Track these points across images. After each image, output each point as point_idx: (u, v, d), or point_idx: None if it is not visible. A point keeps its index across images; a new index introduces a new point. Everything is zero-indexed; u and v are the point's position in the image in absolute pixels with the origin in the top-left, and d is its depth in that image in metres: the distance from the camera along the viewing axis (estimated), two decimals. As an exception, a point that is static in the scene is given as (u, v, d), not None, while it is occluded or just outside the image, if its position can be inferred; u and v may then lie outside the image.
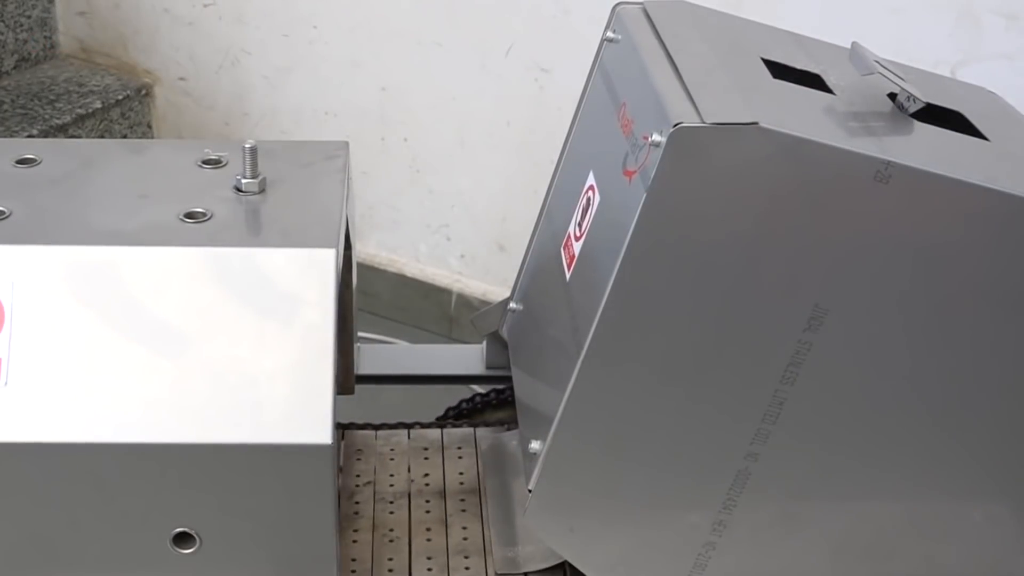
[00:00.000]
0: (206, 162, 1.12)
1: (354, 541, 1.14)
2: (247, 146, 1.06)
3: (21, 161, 1.10)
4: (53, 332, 0.95)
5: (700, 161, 0.89)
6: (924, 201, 0.91)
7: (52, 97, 2.37)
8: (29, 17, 2.45)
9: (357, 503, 1.19)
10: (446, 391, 1.41)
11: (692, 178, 0.90)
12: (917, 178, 0.91)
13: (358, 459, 1.24)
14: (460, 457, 1.26)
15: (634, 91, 1.04)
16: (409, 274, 2.36)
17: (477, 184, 2.24)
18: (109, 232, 0.99)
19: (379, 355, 1.37)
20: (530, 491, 1.01)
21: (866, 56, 1.04)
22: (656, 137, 0.90)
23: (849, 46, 1.12)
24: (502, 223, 2.25)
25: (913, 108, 1.02)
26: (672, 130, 0.88)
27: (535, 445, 1.01)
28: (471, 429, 1.30)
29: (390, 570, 1.11)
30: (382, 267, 2.37)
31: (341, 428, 1.30)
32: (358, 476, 1.22)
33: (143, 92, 2.46)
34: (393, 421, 1.32)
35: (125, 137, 2.43)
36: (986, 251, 0.93)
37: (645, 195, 0.90)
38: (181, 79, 2.46)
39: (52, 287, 0.95)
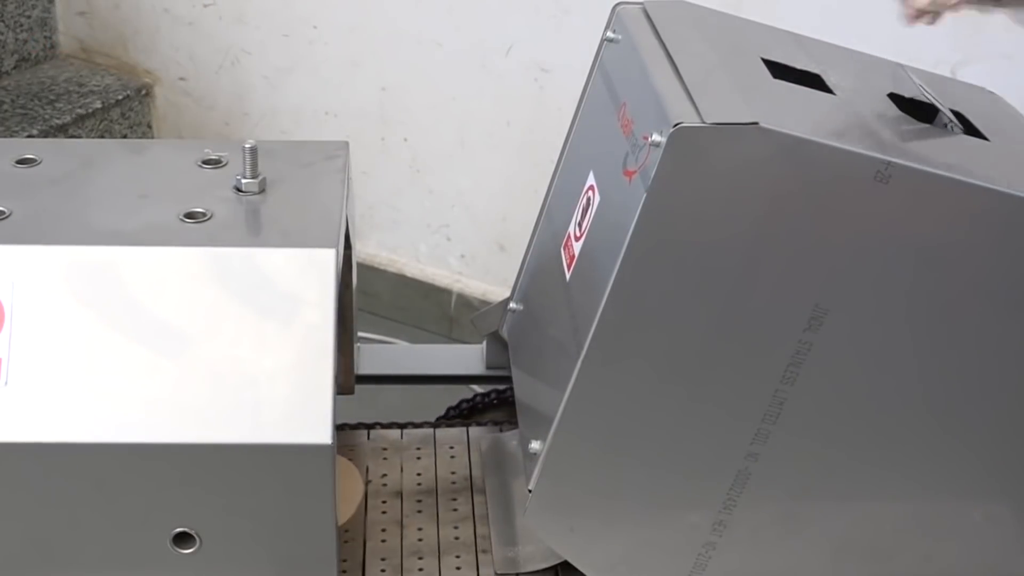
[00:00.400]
0: (206, 162, 1.12)
1: None
2: (247, 146, 1.06)
3: (21, 161, 1.10)
4: (53, 332, 0.95)
5: (700, 161, 0.89)
6: (924, 201, 0.91)
7: (52, 97, 2.37)
8: (29, 17, 2.45)
9: None
10: (446, 391, 1.41)
11: (692, 178, 0.90)
12: (917, 178, 0.91)
13: None
14: (419, 458, 1.25)
15: (634, 91, 1.04)
16: (409, 274, 2.36)
17: (477, 184, 2.24)
18: (109, 232, 0.99)
19: (379, 355, 1.37)
20: (530, 491, 1.01)
21: (911, 79, 1.05)
22: (656, 137, 0.90)
23: (844, 45, 1.12)
24: (502, 223, 2.25)
25: (955, 133, 1.02)
26: (672, 130, 0.88)
27: (535, 445, 1.01)
28: (431, 430, 1.29)
29: (344, 571, 1.11)
30: (382, 267, 2.37)
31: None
32: None
33: (143, 92, 2.46)
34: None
35: (125, 137, 2.43)
36: (986, 251, 0.93)
37: (645, 195, 0.90)
38: (181, 79, 2.46)
39: (52, 287, 0.95)
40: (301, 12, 2.27)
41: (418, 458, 1.25)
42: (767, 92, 1.00)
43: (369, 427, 1.29)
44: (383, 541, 1.14)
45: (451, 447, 1.27)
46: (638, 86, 1.03)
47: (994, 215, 0.92)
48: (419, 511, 1.18)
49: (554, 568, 1.09)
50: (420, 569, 1.11)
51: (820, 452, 0.99)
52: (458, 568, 1.11)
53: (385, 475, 1.22)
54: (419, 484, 1.21)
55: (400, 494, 1.20)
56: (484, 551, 1.13)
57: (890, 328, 0.95)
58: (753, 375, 0.96)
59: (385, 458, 1.25)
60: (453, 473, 1.23)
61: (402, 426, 1.30)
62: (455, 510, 1.18)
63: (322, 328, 0.96)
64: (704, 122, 0.89)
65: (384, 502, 1.19)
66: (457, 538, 1.14)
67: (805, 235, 0.92)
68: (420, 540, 1.14)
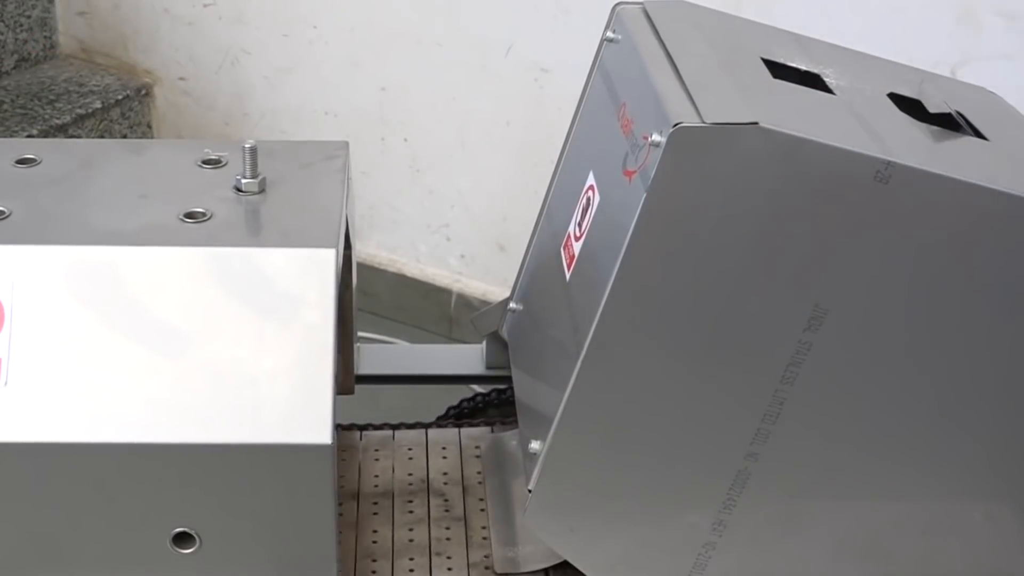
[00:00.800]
0: (206, 162, 1.12)
1: None
2: (247, 146, 1.07)
3: (21, 161, 1.10)
4: (53, 332, 0.95)
5: (700, 161, 0.89)
6: (924, 201, 0.91)
7: (52, 97, 2.37)
8: (29, 17, 2.45)
9: None
10: (446, 391, 1.41)
11: (692, 178, 0.90)
12: (917, 178, 0.91)
13: None
14: (376, 460, 1.24)
15: (634, 91, 1.04)
16: (409, 274, 2.36)
17: (477, 184, 2.24)
18: (109, 232, 0.99)
19: (379, 355, 1.37)
20: (530, 491, 1.01)
21: (936, 97, 1.05)
22: (656, 137, 0.90)
23: (844, 45, 1.12)
24: (502, 223, 2.25)
25: (956, 132, 1.03)
26: (672, 130, 0.88)
27: (535, 445, 1.01)
28: (390, 432, 1.29)
29: None
30: (382, 267, 2.37)
31: None
32: None
33: (143, 92, 2.46)
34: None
35: (125, 137, 2.43)
36: (986, 251, 0.93)
37: (645, 195, 0.90)
38: (181, 79, 2.46)
39: (52, 287, 0.95)
40: (301, 12, 2.27)
41: (376, 459, 1.24)
42: (767, 92, 1.00)
43: None
44: (337, 543, 1.13)
45: (409, 448, 1.26)
46: (638, 86, 1.03)
47: (994, 215, 0.92)
48: (375, 513, 1.17)
49: (554, 568, 1.09)
50: (373, 572, 1.10)
51: (820, 452, 0.99)
52: (411, 571, 1.11)
53: (343, 477, 1.22)
54: (376, 486, 1.21)
55: (357, 496, 1.19)
56: (438, 553, 1.13)
57: (890, 328, 0.95)
58: (753, 375, 0.96)
59: (343, 459, 1.24)
60: (410, 475, 1.22)
61: (361, 428, 1.29)
62: (411, 512, 1.17)
63: (322, 328, 0.96)
64: (704, 122, 0.89)
65: (341, 504, 1.18)
66: (412, 540, 1.14)
67: (805, 235, 0.92)
68: (375, 543, 1.13)
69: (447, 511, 1.18)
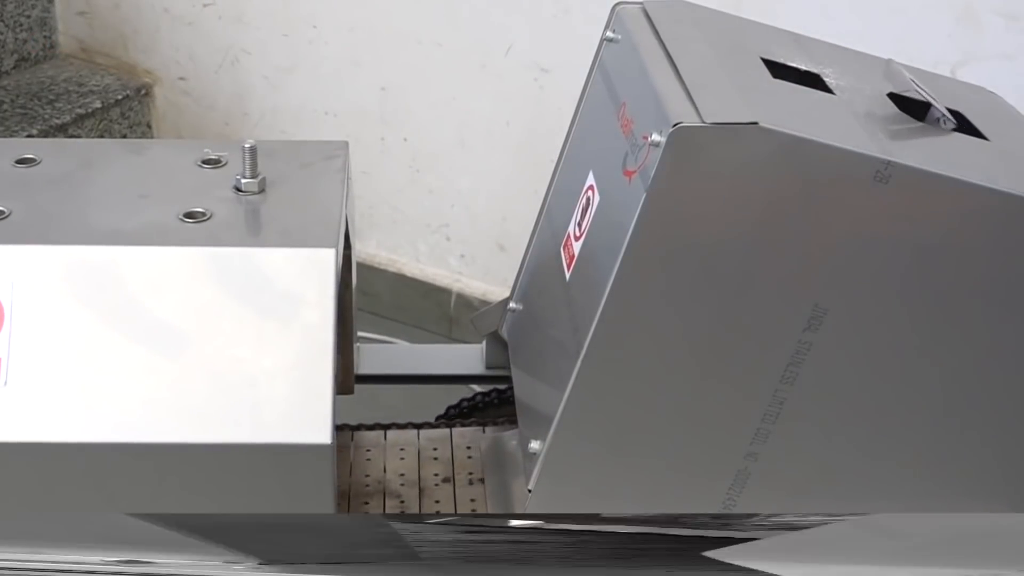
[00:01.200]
0: (206, 162, 1.12)
1: None
2: (247, 146, 1.06)
3: (21, 161, 1.10)
4: (53, 332, 0.95)
5: (700, 161, 0.89)
6: (924, 201, 0.91)
7: (52, 97, 2.37)
8: (29, 17, 2.45)
9: None
10: (446, 391, 1.41)
11: (692, 178, 0.90)
12: (917, 178, 0.91)
13: None
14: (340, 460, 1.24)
15: (634, 91, 1.04)
16: (409, 274, 2.36)
17: (477, 184, 2.24)
18: (109, 232, 0.99)
19: (379, 355, 1.37)
20: (530, 491, 1.01)
21: (901, 73, 1.04)
22: (656, 137, 0.90)
23: (844, 45, 1.12)
24: (502, 223, 2.25)
25: (947, 127, 1.02)
26: (672, 130, 0.88)
27: (535, 445, 1.01)
28: (350, 433, 1.28)
29: None
30: (382, 267, 2.37)
31: None
32: None
33: (143, 92, 2.46)
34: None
35: (125, 137, 2.43)
36: (986, 251, 0.93)
37: (645, 195, 0.90)
38: (181, 79, 2.46)
39: (52, 287, 0.95)
40: (301, 12, 2.27)
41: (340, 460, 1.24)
42: (767, 92, 1.00)
43: None
44: None
45: (368, 450, 1.26)
46: (638, 86, 1.03)
47: (994, 215, 0.92)
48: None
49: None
50: None
51: (820, 452, 0.99)
52: None
53: None
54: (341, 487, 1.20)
55: None
56: None
57: (889, 328, 0.95)
58: (753, 375, 0.96)
59: None
60: (367, 476, 1.22)
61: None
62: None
63: (322, 328, 0.96)
64: (704, 122, 0.89)
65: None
66: None
67: (805, 235, 0.92)
68: None
69: (402, 513, 1.17)
